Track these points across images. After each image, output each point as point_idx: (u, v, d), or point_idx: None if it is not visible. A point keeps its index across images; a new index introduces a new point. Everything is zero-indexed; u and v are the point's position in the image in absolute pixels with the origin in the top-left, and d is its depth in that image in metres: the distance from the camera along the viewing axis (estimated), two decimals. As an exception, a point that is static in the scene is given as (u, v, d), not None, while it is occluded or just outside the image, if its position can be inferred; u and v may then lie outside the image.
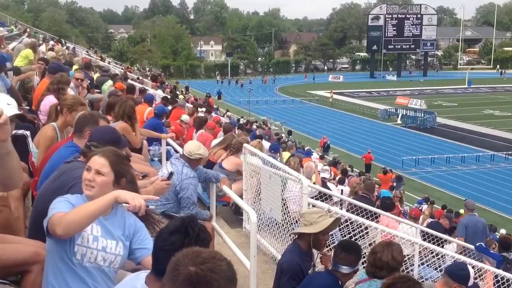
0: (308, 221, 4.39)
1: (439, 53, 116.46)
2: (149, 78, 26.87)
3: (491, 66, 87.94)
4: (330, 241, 6.60)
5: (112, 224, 3.07)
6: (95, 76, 13.98)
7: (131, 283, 2.60)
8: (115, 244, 3.07)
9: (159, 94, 17.73)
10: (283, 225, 6.09)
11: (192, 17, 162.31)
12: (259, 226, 6.58)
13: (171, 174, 4.44)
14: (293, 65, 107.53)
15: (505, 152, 35.62)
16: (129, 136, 6.91)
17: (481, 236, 9.61)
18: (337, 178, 16.10)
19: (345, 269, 4.12)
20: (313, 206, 5.83)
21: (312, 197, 6.77)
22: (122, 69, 27.52)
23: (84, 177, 3.09)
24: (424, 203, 21.64)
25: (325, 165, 15.68)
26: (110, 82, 12.19)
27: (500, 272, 6.32)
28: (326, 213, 4.69)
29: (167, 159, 8.62)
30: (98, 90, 11.30)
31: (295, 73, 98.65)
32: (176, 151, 8.32)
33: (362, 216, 7.00)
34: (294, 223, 6.00)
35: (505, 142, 39.46)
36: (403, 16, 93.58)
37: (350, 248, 4.22)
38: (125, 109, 6.79)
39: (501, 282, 5.90)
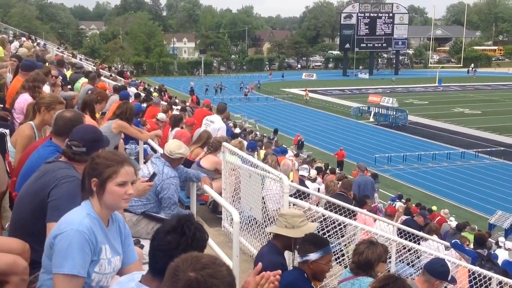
0: (290, 224, 4.35)
1: (410, 51, 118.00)
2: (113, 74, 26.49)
3: (461, 65, 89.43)
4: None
5: (113, 237, 2.94)
6: (68, 73, 13.77)
7: (126, 284, 2.55)
8: (119, 259, 2.97)
9: (131, 91, 17.52)
10: (262, 223, 6.08)
11: (164, 13, 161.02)
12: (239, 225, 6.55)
13: (153, 175, 4.38)
14: (267, 63, 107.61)
15: (475, 150, 36.29)
16: (127, 131, 6.91)
17: (371, 191, 12.24)
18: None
19: (299, 258, 4.17)
20: (294, 204, 5.83)
21: (290, 196, 6.77)
22: (94, 66, 27.15)
23: (127, 192, 2.87)
24: (397, 200, 21.93)
25: (300, 163, 15.77)
26: (83, 79, 12.00)
27: (476, 268, 6.42)
28: (306, 217, 4.71)
29: (144, 157, 8.56)
30: (70, 87, 11.13)
31: (269, 71, 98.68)
32: (154, 150, 8.25)
33: (340, 214, 7.03)
34: (273, 222, 5.99)
35: (475, 140, 40.21)
36: (375, 15, 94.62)
37: (307, 239, 4.24)
38: (126, 111, 6.84)
39: (478, 278, 6.00)
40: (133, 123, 8.74)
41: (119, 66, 68.30)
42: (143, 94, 17.24)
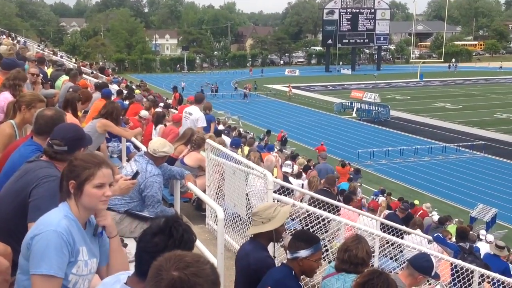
0: (266, 218, 4.34)
1: (392, 47, 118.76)
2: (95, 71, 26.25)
3: (442, 60, 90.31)
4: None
5: (91, 239, 2.92)
6: (49, 71, 13.62)
7: (112, 285, 2.52)
8: (95, 261, 2.94)
9: (114, 88, 17.38)
10: (247, 220, 6.08)
11: (146, 10, 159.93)
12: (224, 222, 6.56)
13: (136, 173, 4.35)
14: (250, 59, 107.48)
15: (456, 144, 36.68)
16: (112, 129, 6.86)
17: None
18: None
19: (287, 254, 4.15)
20: (278, 201, 5.83)
21: (274, 192, 6.78)
22: (75, 63, 26.88)
23: (105, 194, 2.85)
24: (380, 194, 22.07)
25: (284, 159, 15.79)
26: (64, 77, 11.87)
27: (458, 261, 6.49)
28: (276, 204, 4.73)
29: (127, 155, 8.51)
30: (51, 85, 10.99)
31: (253, 67, 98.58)
32: (136, 148, 8.20)
33: (324, 210, 7.06)
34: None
35: (456, 134, 40.66)
36: (357, 10, 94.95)
37: (297, 235, 4.24)
38: (113, 111, 6.79)
39: (460, 272, 6.07)
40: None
41: (102, 63, 67.59)
42: (125, 91, 17.09)
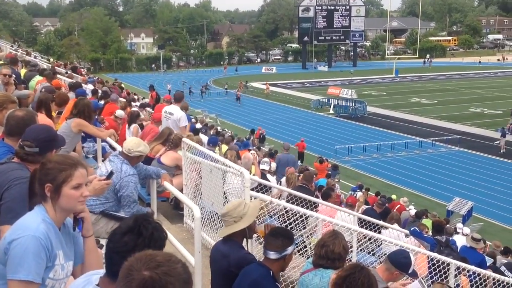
0: (238, 216, 4.30)
1: (368, 43, 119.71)
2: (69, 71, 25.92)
3: (417, 56, 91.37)
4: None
5: (66, 241, 2.88)
6: (22, 71, 13.40)
7: (83, 286, 2.49)
8: (71, 264, 2.91)
9: (89, 88, 17.18)
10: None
11: (121, 9, 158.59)
12: (201, 220, 6.53)
13: (111, 173, 4.29)
14: (226, 57, 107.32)
15: (432, 138, 37.12)
16: (87, 129, 6.78)
17: (292, 165, 13.64)
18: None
19: (272, 255, 4.06)
20: (255, 198, 5.83)
21: (251, 189, 6.78)
22: (49, 63, 26.51)
23: (82, 195, 2.84)
24: (358, 190, 22.23)
25: (262, 157, 15.77)
26: (38, 77, 11.69)
27: (434, 255, 6.57)
28: (244, 200, 4.72)
29: (102, 155, 8.42)
30: (24, 86, 10.82)
31: (228, 65, 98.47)
32: (112, 148, 8.12)
33: (302, 206, 7.08)
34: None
35: (432, 129, 41.16)
36: (332, 7, 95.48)
37: (277, 233, 4.19)
38: (83, 108, 6.69)
39: (436, 265, 6.14)
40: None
41: (77, 63, 66.80)
42: (100, 91, 16.91)
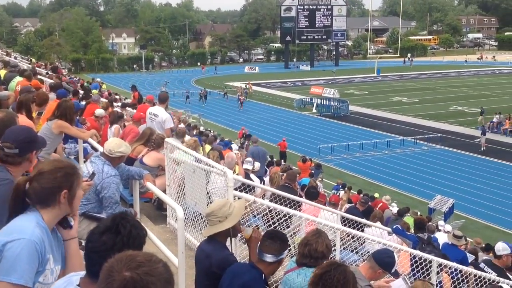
0: (223, 216, 4.29)
1: (349, 43, 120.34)
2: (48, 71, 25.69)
3: (398, 55, 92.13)
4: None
5: (55, 244, 2.86)
6: (2, 72, 13.24)
7: (63, 286, 2.46)
8: (59, 268, 2.88)
9: (70, 88, 17.01)
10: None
11: (102, 9, 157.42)
12: (185, 221, 6.51)
13: (92, 174, 4.26)
14: (209, 57, 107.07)
15: (413, 137, 37.45)
16: (68, 131, 6.72)
17: (262, 158, 14.07)
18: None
19: (269, 258, 4.06)
20: (239, 198, 5.83)
21: (235, 189, 6.77)
22: (29, 64, 26.21)
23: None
24: (341, 188, 22.33)
25: (245, 156, 15.75)
26: (18, 78, 11.56)
27: (417, 252, 6.62)
28: (229, 200, 4.71)
29: (84, 156, 8.35)
30: (4, 87, 10.69)
31: (211, 65, 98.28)
32: (94, 149, 8.05)
33: (285, 206, 7.09)
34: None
35: (413, 127, 41.51)
36: (314, 7, 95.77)
37: (275, 236, 4.18)
38: (66, 110, 6.64)
39: (419, 262, 6.20)
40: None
41: (58, 63, 66.08)
42: (81, 92, 16.78)
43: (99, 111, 10.97)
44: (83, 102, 13.39)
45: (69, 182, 2.81)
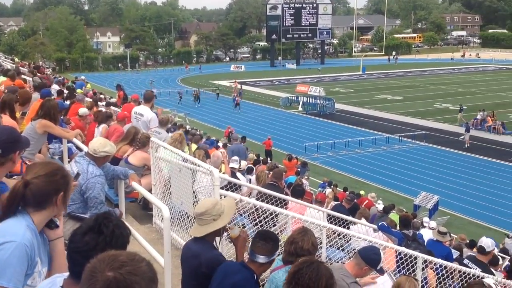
0: (217, 215, 4.28)
1: (335, 41, 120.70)
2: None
3: (383, 53, 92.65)
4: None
5: (42, 246, 2.86)
6: (-15, 72, 13.10)
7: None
8: (46, 269, 2.87)
9: (54, 88, 16.90)
10: (194, 217, 6.04)
11: (86, 7, 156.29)
12: (171, 220, 6.49)
13: (77, 174, 4.24)
14: (195, 55, 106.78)
15: (398, 134, 37.66)
16: (53, 130, 6.67)
17: (242, 156, 13.93)
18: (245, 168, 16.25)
19: (261, 259, 4.06)
20: (224, 197, 5.82)
21: (221, 188, 6.77)
22: (13, 64, 25.95)
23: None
24: (327, 186, 22.41)
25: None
26: (2, 78, 11.47)
27: (402, 249, 6.68)
28: (218, 199, 4.70)
29: (68, 156, 8.29)
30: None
31: (196, 64, 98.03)
32: (79, 149, 8.00)
33: (271, 204, 7.10)
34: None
35: (398, 125, 41.78)
36: (300, 5, 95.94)
37: (268, 237, 4.17)
38: (49, 110, 6.57)
39: (404, 258, 6.25)
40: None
41: (42, 62, 65.48)
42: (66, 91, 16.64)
43: (83, 111, 10.91)
44: (68, 102, 13.31)
45: (65, 184, 2.83)
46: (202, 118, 46.15)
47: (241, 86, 59.77)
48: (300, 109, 50.95)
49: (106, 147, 5.21)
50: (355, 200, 14.68)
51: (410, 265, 6.27)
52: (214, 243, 4.48)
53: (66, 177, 2.85)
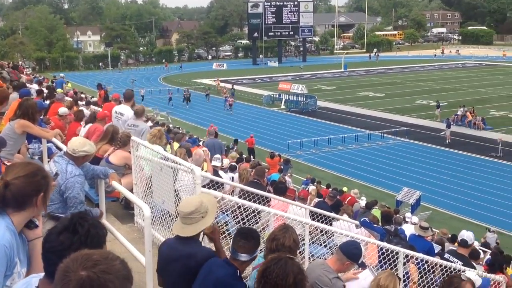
0: (204, 212, 4.27)
1: (317, 39, 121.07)
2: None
3: (365, 50, 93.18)
4: (224, 228, 6.66)
5: (21, 247, 2.83)
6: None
7: None
8: (25, 270, 2.84)
9: (34, 88, 16.71)
10: (176, 216, 6.01)
11: (66, 6, 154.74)
12: (152, 219, 6.46)
13: (56, 174, 4.18)
14: (176, 54, 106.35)
15: (380, 131, 37.95)
16: (32, 130, 6.60)
17: (218, 151, 13.70)
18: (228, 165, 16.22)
19: (244, 257, 4.05)
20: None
21: (204, 186, 6.75)
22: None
23: None
24: (310, 183, 22.47)
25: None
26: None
27: (383, 244, 6.72)
28: (201, 193, 4.68)
29: (48, 156, 8.20)
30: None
31: (178, 62, 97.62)
32: (59, 148, 7.92)
33: (254, 201, 7.10)
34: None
35: (380, 121, 42.06)
36: (281, 3, 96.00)
37: (249, 235, 4.15)
38: (28, 109, 6.50)
39: (386, 253, 6.29)
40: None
41: (21, 62, 64.69)
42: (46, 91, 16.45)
43: (63, 110, 10.79)
44: (47, 101, 13.16)
45: (46, 184, 2.82)
46: (185, 117, 46.00)
47: (233, 85, 58.96)
48: (282, 106, 51.04)
49: (85, 146, 5.15)
50: (338, 197, 14.77)
51: (391, 260, 6.31)
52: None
53: (46, 178, 2.83)
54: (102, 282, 1.79)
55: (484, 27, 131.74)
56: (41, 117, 10.05)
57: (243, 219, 6.21)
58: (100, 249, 2.03)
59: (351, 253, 4.81)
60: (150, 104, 48.60)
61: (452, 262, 7.33)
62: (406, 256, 6.61)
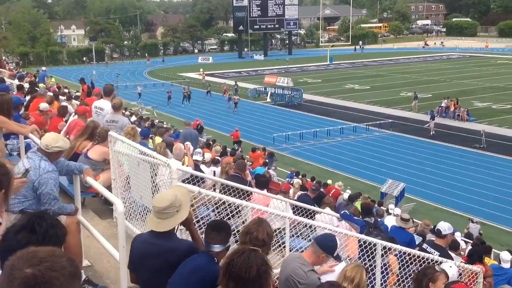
0: (178, 205, 4.26)
1: (302, 31, 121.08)
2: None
3: (350, 43, 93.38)
4: (204, 223, 6.65)
5: None
6: None
7: None
8: None
9: (15, 83, 16.54)
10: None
11: (50, 0, 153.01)
12: (131, 214, 6.44)
13: (26, 171, 4.15)
14: (161, 48, 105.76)
15: (365, 123, 38.09)
16: (8, 126, 6.54)
17: (194, 141, 13.86)
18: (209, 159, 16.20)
19: (217, 248, 4.08)
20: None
21: (184, 181, 6.73)
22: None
23: None
24: (294, 176, 22.52)
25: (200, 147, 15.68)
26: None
27: (362, 236, 6.76)
28: (174, 187, 4.68)
29: (26, 152, 8.14)
30: None
31: (164, 56, 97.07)
32: (37, 144, 7.87)
33: (235, 195, 7.10)
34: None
35: (365, 114, 42.20)
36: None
37: (219, 227, 4.19)
38: (3, 104, 6.43)
39: (364, 245, 6.33)
40: (13, 117, 8.27)
41: (4, 57, 63.91)
42: (27, 86, 16.30)
43: (44, 105, 10.72)
44: (28, 97, 13.06)
45: (6, 181, 2.77)
46: (170, 111, 45.83)
47: (236, 82, 55.83)
48: (268, 100, 51.03)
49: (58, 142, 5.11)
50: (322, 189, 14.81)
51: (369, 252, 6.36)
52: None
53: (7, 175, 2.78)
54: (47, 279, 1.78)
55: (468, 19, 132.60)
56: (21, 112, 9.98)
57: (227, 214, 6.19)
58: (47, 247, 2.01)
59: (326, 245, 4.83)
60: (133, 98, 48.40)
61: (430, 253, 7.40)
62: (384, 247, 6.66)
